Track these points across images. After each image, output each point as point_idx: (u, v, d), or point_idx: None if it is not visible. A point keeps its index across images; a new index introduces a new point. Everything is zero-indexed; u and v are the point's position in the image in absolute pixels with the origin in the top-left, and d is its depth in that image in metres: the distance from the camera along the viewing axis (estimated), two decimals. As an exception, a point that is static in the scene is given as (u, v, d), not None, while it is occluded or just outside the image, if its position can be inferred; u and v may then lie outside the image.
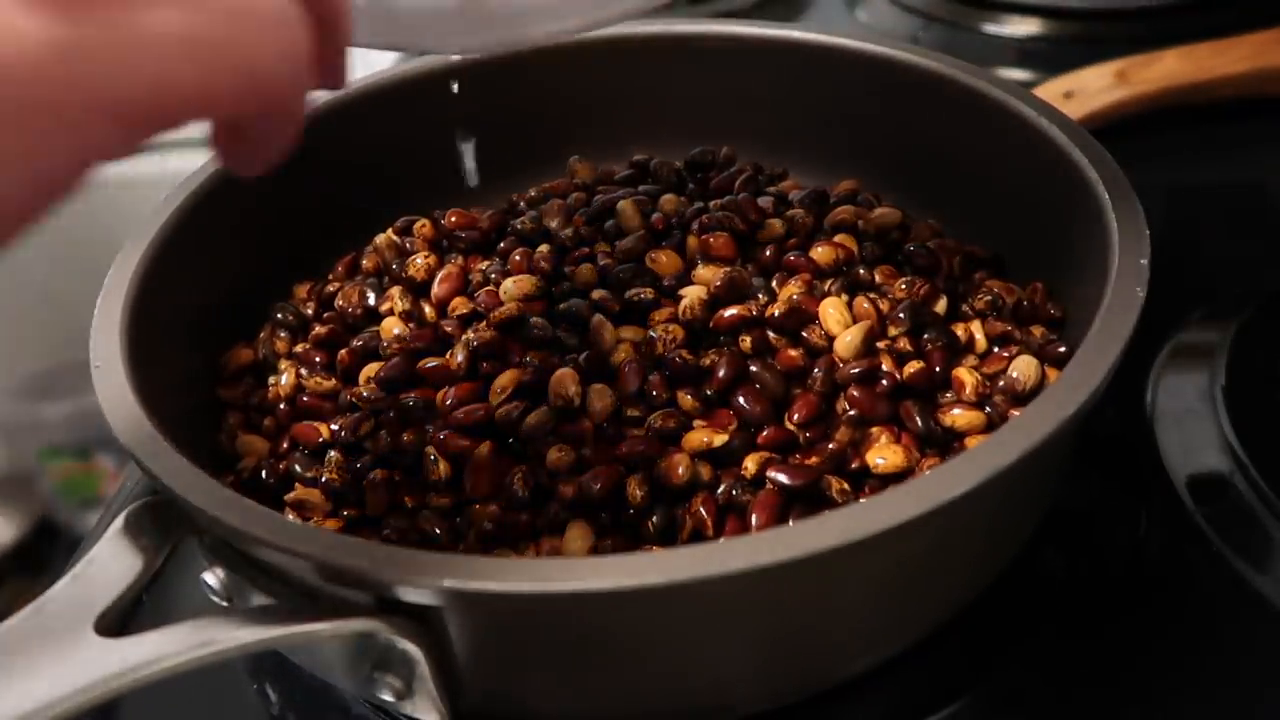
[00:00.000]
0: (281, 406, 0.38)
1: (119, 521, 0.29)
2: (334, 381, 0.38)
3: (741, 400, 0.34)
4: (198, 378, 0.39)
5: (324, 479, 0.34)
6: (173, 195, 0.38)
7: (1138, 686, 0.33)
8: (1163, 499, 0.37)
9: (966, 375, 0.35)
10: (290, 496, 0.34)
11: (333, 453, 0.35)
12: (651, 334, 0.36)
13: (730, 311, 0.37)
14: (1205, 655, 0.33)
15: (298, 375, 0.38)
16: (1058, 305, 0.38)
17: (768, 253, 0.40)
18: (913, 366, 0.35)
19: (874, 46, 0.44)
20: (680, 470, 0.32)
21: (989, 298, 0.38)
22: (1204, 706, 0.32)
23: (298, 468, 0.35)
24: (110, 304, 0.34)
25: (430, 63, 0.46)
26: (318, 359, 0.38)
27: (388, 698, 0.28)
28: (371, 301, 0.40)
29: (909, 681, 0.33)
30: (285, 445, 0.36)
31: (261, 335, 0.41)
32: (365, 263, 0.42)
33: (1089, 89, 0.56)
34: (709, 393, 0.35)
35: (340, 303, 0.40)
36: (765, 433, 0.34)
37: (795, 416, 0.34)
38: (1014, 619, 0.35)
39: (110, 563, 0.27)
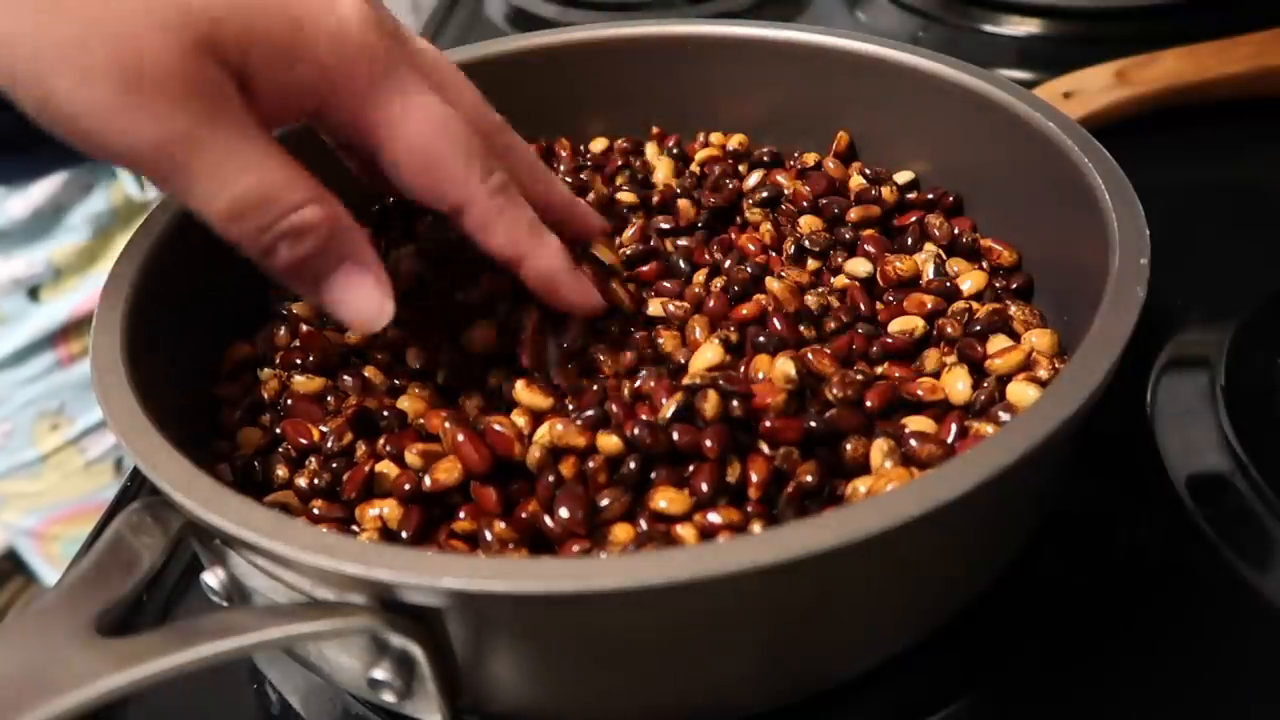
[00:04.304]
0: (276, 404, 0.38)
1: (119, 521, 0.28)
2: (321, 381, 0.38)
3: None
4: (198, 377, 0.39)
5: (302, 483, 0.34)
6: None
7: (1138, 686, 0.33)
8: (1163, 499, 0.37)
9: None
10: (270, 498, 0.34)
11: (312, 459, 0.35)
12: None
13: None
14: (1205, 655, 0.33)
15: (281, 382, 0.38)
16: (1009, 246, 0.41)
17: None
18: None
19: (875, 46, 0.44)
20: None
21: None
22: (1204, 706, 0.32)
23: (280, 471, 0.35)
24: (110, 303, 0.34)
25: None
26: (298, 360, 0.38)
27: (388, 698, 0.28)
28: None
29: (909, 681, 0.33)
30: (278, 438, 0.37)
31: (262, 332, 0.41)
32: None
33: (1089, 89, 0.56)
34: None
35: None
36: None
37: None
38: (1014, 619, 0.35)
39: (110, 563, 0.27)
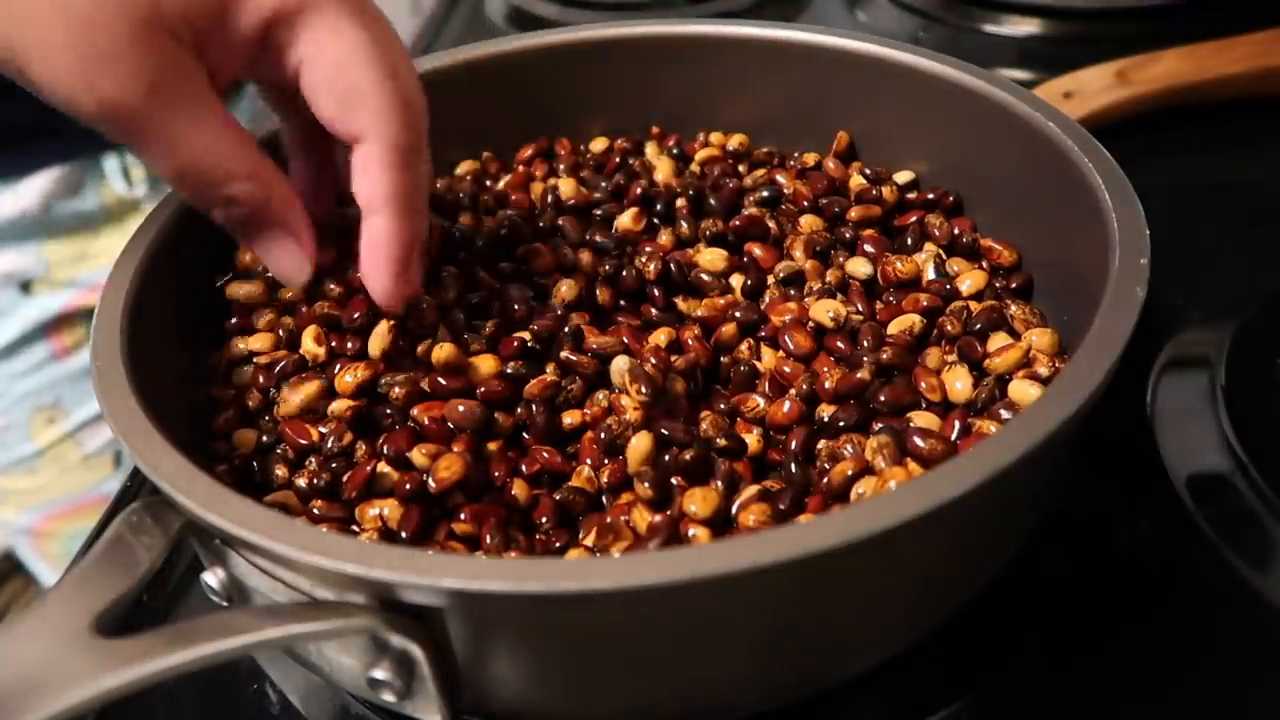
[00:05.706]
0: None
1: (119, 521, 0.28)
2: (318, 383, 0.38)
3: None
4: (198, 377, 0.39)
5: (302, 483, 0.34)
6: (172, 195, 0.38)
7: (1138, 686, 0.33)
8: (1163, 499, 0.37)
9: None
10: (269, 498, 0.34)
11: (311, 459, 0.35)
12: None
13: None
14: (1205, 655, 0.33)
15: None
16: (1009, 246, 0.40)
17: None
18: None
19: (875, 46, 0.44)
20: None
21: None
22: (1204, 705, 0.32)
23: (279, 471, 0.35)
24: (110, 303, 0.34)
25: (433, 62, 0.46)
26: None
27: (388, 698, 0.28)
28: None
29: (909, 681, 0.33)
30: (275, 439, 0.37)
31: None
32: None
33: (1089, 89, 0.56)
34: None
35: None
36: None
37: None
38: (1014, 619, 0.35)
39: (110, 563, 0.27)
